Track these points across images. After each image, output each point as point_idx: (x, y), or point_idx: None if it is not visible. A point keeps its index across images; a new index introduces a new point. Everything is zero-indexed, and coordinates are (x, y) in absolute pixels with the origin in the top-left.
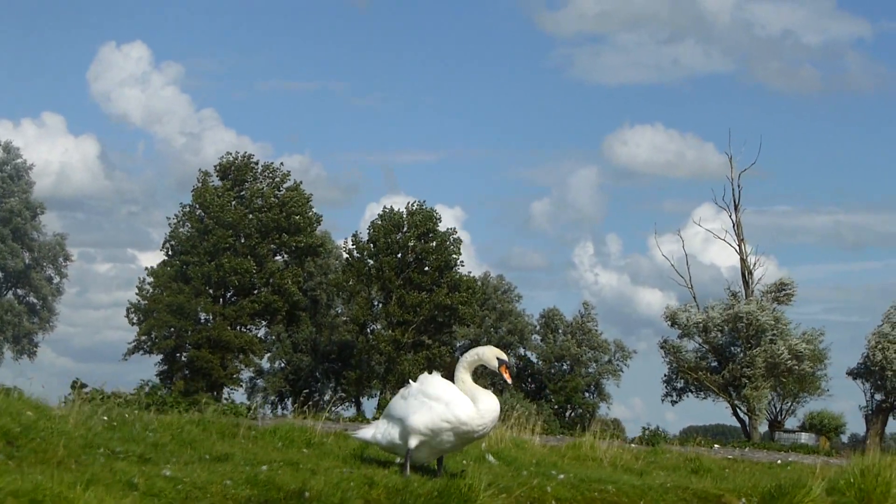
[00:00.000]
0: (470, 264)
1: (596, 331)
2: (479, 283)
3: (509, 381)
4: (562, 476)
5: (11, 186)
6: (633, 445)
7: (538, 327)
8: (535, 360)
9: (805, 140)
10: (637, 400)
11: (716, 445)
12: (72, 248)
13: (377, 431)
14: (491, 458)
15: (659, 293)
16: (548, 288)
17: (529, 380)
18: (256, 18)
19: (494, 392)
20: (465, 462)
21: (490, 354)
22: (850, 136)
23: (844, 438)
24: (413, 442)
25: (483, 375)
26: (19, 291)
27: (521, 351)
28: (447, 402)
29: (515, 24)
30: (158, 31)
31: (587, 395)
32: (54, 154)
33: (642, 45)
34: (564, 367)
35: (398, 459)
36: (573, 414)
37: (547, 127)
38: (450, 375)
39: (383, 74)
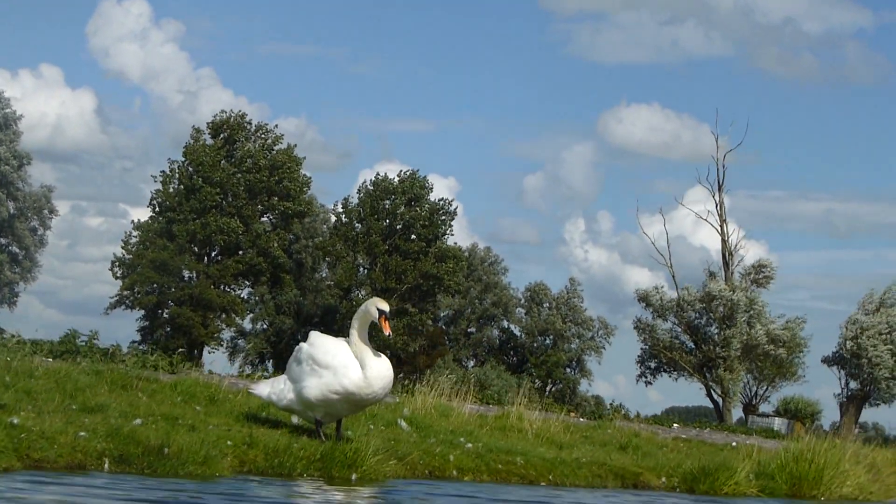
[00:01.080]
0: (461, 235)
1: (581, 306)
2: (467, 254)
3: (387, 332)
4: (469, 445)
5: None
6: (581, 420)
7: (523, 300)
8: (518, 334)
9: (801, 127)
10: (621, 378)
11: (675, 425)
12: (65, 200)
13: (272, 391)
14: (403, 423)
15: (648, 272)
16: (537, 262)
17: (511, 353)
18: None
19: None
20: (370, 427)
21: (371, 306)
22: (846, 125)
23: (826, 425)
24: (314, 413)
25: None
26: (2, 240)
27: (505, 324)
28: (335, 369)
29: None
30: None
31: (568, 370)
32: (51, 106)
33: (642, 24)
34: (547, 341)
35: (294, 419)
36: (554, 389)
37: (544, 102)
38: (430, 346)
39: (382, 42)
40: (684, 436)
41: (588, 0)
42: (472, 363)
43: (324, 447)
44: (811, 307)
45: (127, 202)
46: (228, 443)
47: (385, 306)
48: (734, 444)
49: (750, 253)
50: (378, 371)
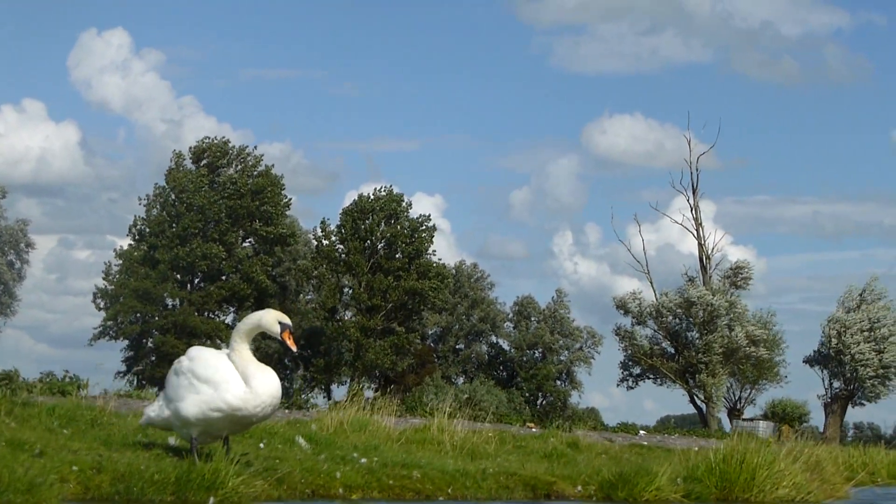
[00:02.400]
0: (450, 252)
1: (568, 318)
2: (454, 270)
3: (293, 347)
4: (364, 461)
5: None
6: (534, 430)
7: (511, 315)
8: (507, 348)
9: (784, 130)
10: (615, 389)
11: (641, 432)
12: (52, 234)
13: (151, 410)
14: (302, 440)
15: (637, 282)
16: (527, 277)
17: (501, 367)
18: (236, 5)
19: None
20: (261, 445)
21: (271, 319)
22: (829, 126)
23: (821, 427)
24: (190, 430)
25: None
26: None
27: (493, 339)
28: (216, 384)
29: (495, 13)
30: (139, 18)
31: (559, 383)
32: (35, 140)
33: (622, 35)
34: (536, 354)
35: (171, 440)
36: (545, 402)
37: (527, 115)
38: (419, 364)
39: (363, 63)
40: (645, 443)
41: (567, 12)
42: (461, 380)
43: (179, 468)
44: (801, 310)
45: (114, 233)
46: (74, 468)
47: (287, 320)
48: (696, 448)
49: (734, 256)
50: (264, 386)
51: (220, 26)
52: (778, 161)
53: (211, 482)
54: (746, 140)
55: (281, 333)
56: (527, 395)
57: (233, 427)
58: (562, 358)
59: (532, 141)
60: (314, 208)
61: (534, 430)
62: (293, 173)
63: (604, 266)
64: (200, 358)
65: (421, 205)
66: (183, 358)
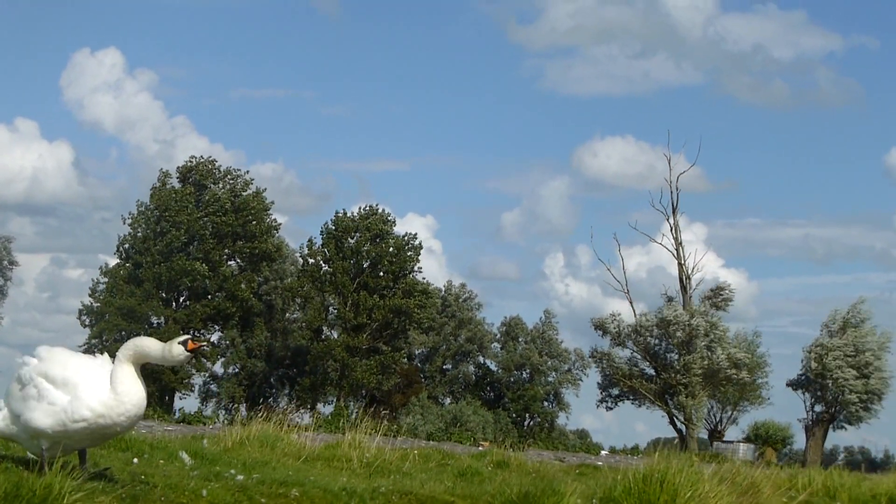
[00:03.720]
0: (441, 273)
1: (557, 339)
2: (443, 290)
3: (201, 344)
4: (240, 477)
5: None
6: (480, 448)
7: (499, 335)
8: (494, 369)
9: (776, 153)
10: (607, 412)
11: (603, 452)
12: (44, 253)
13: None
14: (185, 455)
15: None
16: (519, 298)
17: (488, 388)
18: (229, 26)
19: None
20: (135, 460)
21: (173, 350)
22: (820, 149)
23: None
24: (40, 443)
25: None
26: None
27: (481, 359)
28: (75, 387)
29: (487, 36)
30: (132, 38)
31: (546, 404)
32: (28, 160)
33: (613, 58)
34: (524, 375)
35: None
36: (532, 423)
37: (518, 137)
38: (405, 384)
39: (354, 83)
40: (600, 463)
41: (558, 35)
42: (448, 400)
43: (7, 482)
44: (792, 333)
45: (106, 252)
46: None
47: (186, 338)
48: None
49: (726, 279)
50: (130, 393)
51: (212, 46)
52: (769, 184)
53: (43, 498)
54: (737, 163)
55: (186, 348)
56: (514, 415)
57: (92, 438)
58: (549, 379)
59: (523, 163)
60: (306, 228)
61: (481, 448)
62: (286, 193)
63: (595, 288)
64: (53, 359)
65: (412, 225)
66: (29, 359)
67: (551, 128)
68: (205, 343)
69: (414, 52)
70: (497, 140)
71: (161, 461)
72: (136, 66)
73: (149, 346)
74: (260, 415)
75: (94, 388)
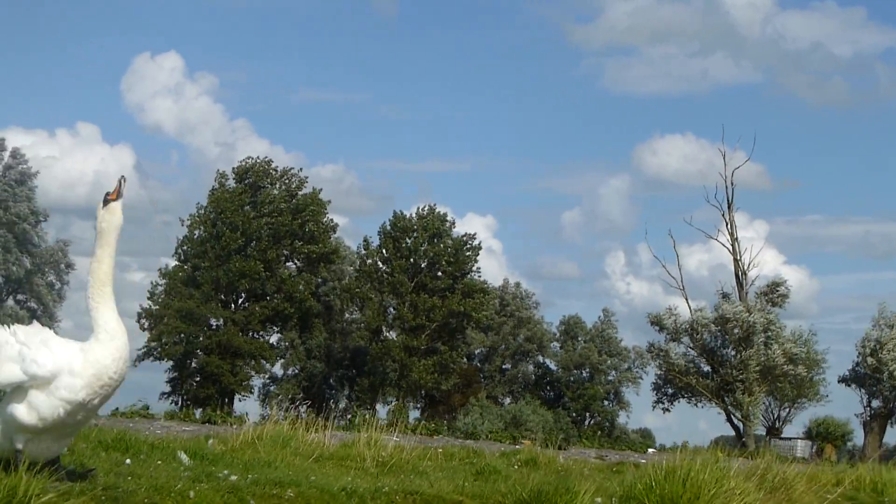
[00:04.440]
0: (501, 272)
1: (616, 337)
2: (499, 290)
3: (120, 184)
4: (234, 478)
5: (15, 191)
6: (517, 446)
7: (558, 335)
8: (553, 368)
9: (835, 151)
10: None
11: (650, 450)
12: None
13: None
14: (183, 456)
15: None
16: (579, 297)
17: (548, 387)
18: (287, 28)
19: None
20: (128, 461)
21: (105, 213)
22: (880, 146)
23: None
24: (16, 442)
25: None
26: (20, 297)
27: (540, 359)
28: (58, 370)
29: (544, 35)
30: (192, 42)
31: (606, 403)
32: (90, 164)
33: (672, 57)
34: (584, 374)
35: None
36: (592, 422)
37: (577, 137)
38: (464, 384)
39: (412, 84)
40: (643, 461)
41: (616, 34)
42: (507, 400)
43: None
44: (854, 330)
45: (167, 256)
46: None
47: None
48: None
49: (788, 276)
50: (115, 334)
51: (271, 49)
52: (829, 181)
53: (7, 501)
54: (798, 161)
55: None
56: (574, 415)
57: (85, 408)
58: (609, 378)
59: (583, 162)
60: (367, 230)
61: (517, 446)
62: (346, 195)
63: (656, 286)
64: (29, 340)
65: (471, 225)
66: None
67: (610, 127)
68: (121, 178)
69: (471, 52)
70: (556, 139)
71: (159, 462)
72: (195, 69)
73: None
74: (321, 416)
75: (73, 349)
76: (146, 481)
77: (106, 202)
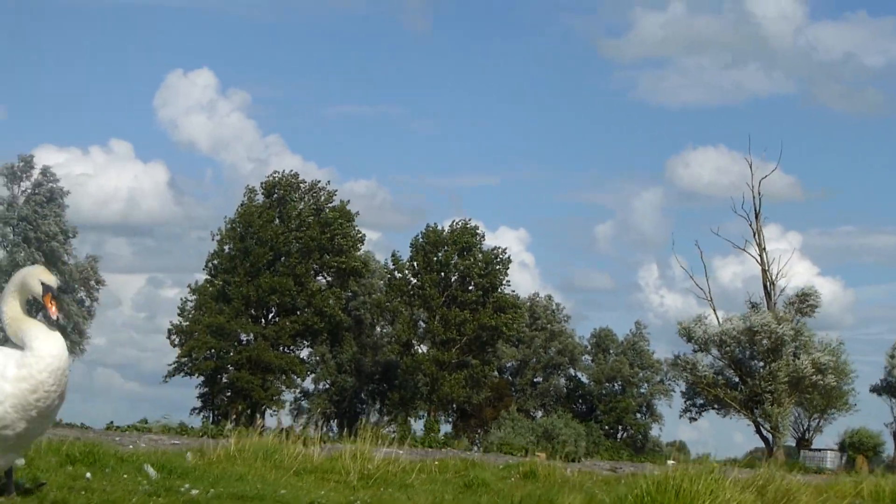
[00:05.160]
0: (534, 285)
1: (648, 350)
2: (529, 303)
3: (54, 315)
4: (195, 492)
5: (45, 209)
6: (509, 459)
7: (589, 347)
8: (585, 381)
9: (869, 161)
10: (704, 422)
11: (670, 462)
12: (142, 273)
13: None
14: (150, 469)
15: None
16: (613, 310)
17: (580, 400)
18: (318, 44)
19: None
20: (88, 475)
21: (32, 278)
22: None
23: None
24: None
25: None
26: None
27: (571, 371)
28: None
29: (576, 49)
30: (224, 59)
31: (639, 416)
32: (123, 180)
33: (704, 68)
34: (616, 387)
35: None
36: (625, 435)
37: (609, 149)
38: (496, 398)
39: (443, 98)
40: (657, 472)
41: (648, 46)
42: (539, 413)
43: None
44: (889, 340)
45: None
46: None
47: (51, 280)
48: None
49: (821, 288)
50: (49, 348)
51: (303, 65)
52: (863, 192)
53: None
54: (831, 171)
55: (42, 297)
56: (606, 428)
57: (27, 428)
58: (642, 391)
59: (615, 174)
60: (400, 245)
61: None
62: (379, 210)
63: (690, 299)
64: None
65: (504, 238)
66: None
67: (643, 139)
68: (53, 312)
69: (503, 66)
70: (588, 152)
71: (125, 476)
72: (228, 85)
73: (22, 272)
74: (354, 430)
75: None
76: (98, 496)
77: (44, 289)
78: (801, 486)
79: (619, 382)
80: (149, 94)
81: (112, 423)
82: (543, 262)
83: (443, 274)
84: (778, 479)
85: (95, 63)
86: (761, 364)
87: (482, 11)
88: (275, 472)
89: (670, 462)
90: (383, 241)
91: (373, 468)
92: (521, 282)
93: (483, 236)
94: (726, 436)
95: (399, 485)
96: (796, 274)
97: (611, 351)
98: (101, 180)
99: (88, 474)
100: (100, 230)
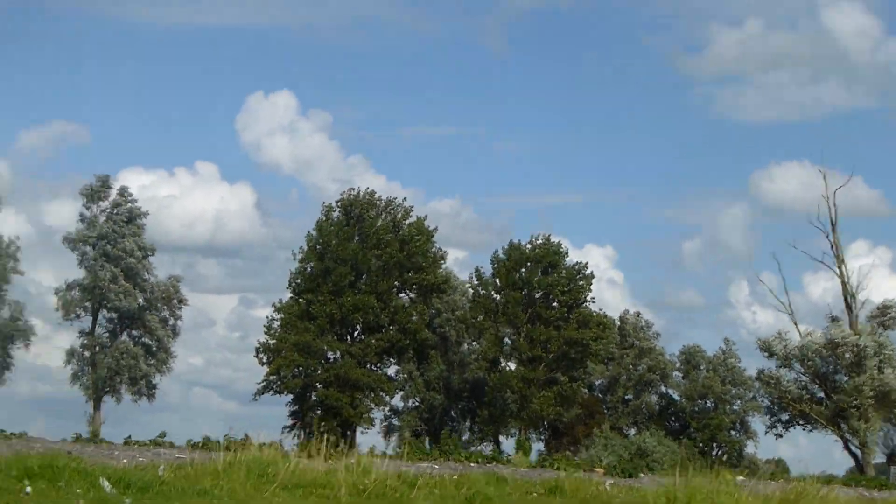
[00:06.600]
0: (623, 303)
1: (739, 367)
2: (618, 321)
3: None
4: None
5: (124, 229)
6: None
7: (679, 364)
8: (677, 398)
9: None
10: (804, 439)
11: (739, 478)
12: (233, 294)
13: None
14: (106, 483)
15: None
16: (704, 327)
17: (672, 418)
18: (398, 65)
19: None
20: (27, 488)
21: None
22: None
23: None
24: None
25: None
26: (134, 333)
27: (663, 389)
28: None
29: (654, 66)
30: (305, 80)
31: (733, 433)
32: (210, 202)
33: (783, 84)
34: (708, 404)
35: None
36: (720, 452)
37: (692, 165)
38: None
39: (524, 118)
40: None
41: (726, 63)
42: (632, 431)
43: None
44: None
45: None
46: None
47: None
48: None
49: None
50: None
51: (383, 86)
52: None
53: None
54: None
55: None
56: (700, 445)
57: None
58: (734, 408)
59: (699, 190)
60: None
61: (595, 475)
62: (463, 229)
63: (782, 315)
64: None
65: (590, 256)
66: None
67: (725, 155)
68: None
69: (582, 85)
70: (672, 169)
71: (78, 490)
72: (309, 107)
73: None
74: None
75: None
76: None
77: None
78: (843, 500)
79: (711, 399)
80: (230, 117)
81: (130, 436)
82: (632, 279)
83: (525, 291)
84: (811, 493)
85: (179, 86)
86: (846, 378)
87: (558, 32)
88: (261, 487)
89: (740, 478)
90: (469, 259)
91: (369, 482)
92: (611, 299)
93: (566, 253)
94: (826, 453)
95: (391, 500)
96: (885, 289)
97: (701, 367)
98: (187, 202)
99: (28, 489)
100: (190, 251)
